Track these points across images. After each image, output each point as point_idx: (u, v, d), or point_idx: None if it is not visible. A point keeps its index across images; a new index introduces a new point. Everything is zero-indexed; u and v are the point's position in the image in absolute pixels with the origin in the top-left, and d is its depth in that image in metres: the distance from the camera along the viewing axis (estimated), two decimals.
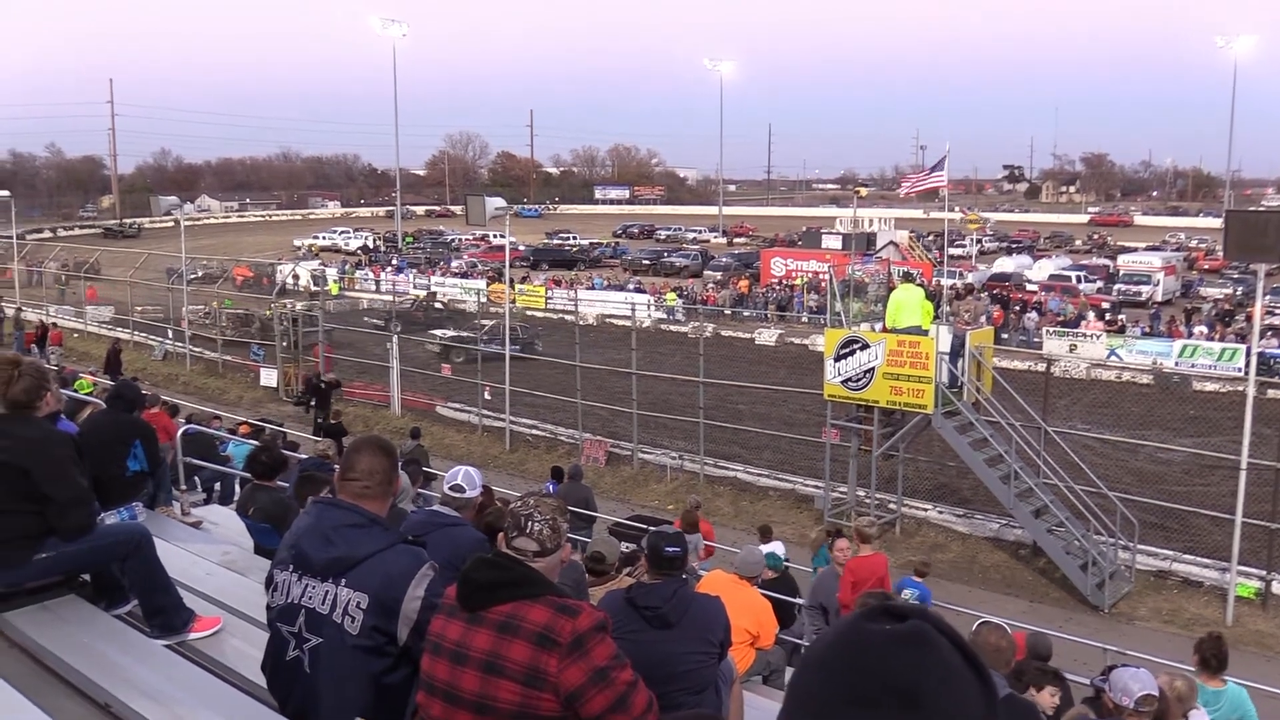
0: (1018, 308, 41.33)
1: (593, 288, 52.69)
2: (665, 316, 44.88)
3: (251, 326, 36.06)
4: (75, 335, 37.61)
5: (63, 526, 4.68)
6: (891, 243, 53.59)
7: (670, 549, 4.91)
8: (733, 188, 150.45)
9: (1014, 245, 74.46)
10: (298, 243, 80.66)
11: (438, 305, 43.41)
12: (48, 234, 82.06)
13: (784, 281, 51.25)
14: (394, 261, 66.42)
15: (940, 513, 19.48)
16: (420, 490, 10.53)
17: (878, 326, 18.68)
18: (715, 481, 21.76)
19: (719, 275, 56.15)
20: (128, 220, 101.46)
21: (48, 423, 4.91)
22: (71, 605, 4.87)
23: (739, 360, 33.69)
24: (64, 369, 20.42)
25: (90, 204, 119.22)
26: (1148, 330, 37.09)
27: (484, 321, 34.49)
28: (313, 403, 25.27)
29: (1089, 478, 17.33)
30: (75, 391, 12.47)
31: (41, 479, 4.58)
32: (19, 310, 37.29)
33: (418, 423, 24.46)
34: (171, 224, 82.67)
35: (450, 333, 34.18)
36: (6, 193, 50.44)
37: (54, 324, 36.68)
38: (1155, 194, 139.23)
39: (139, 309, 39.08)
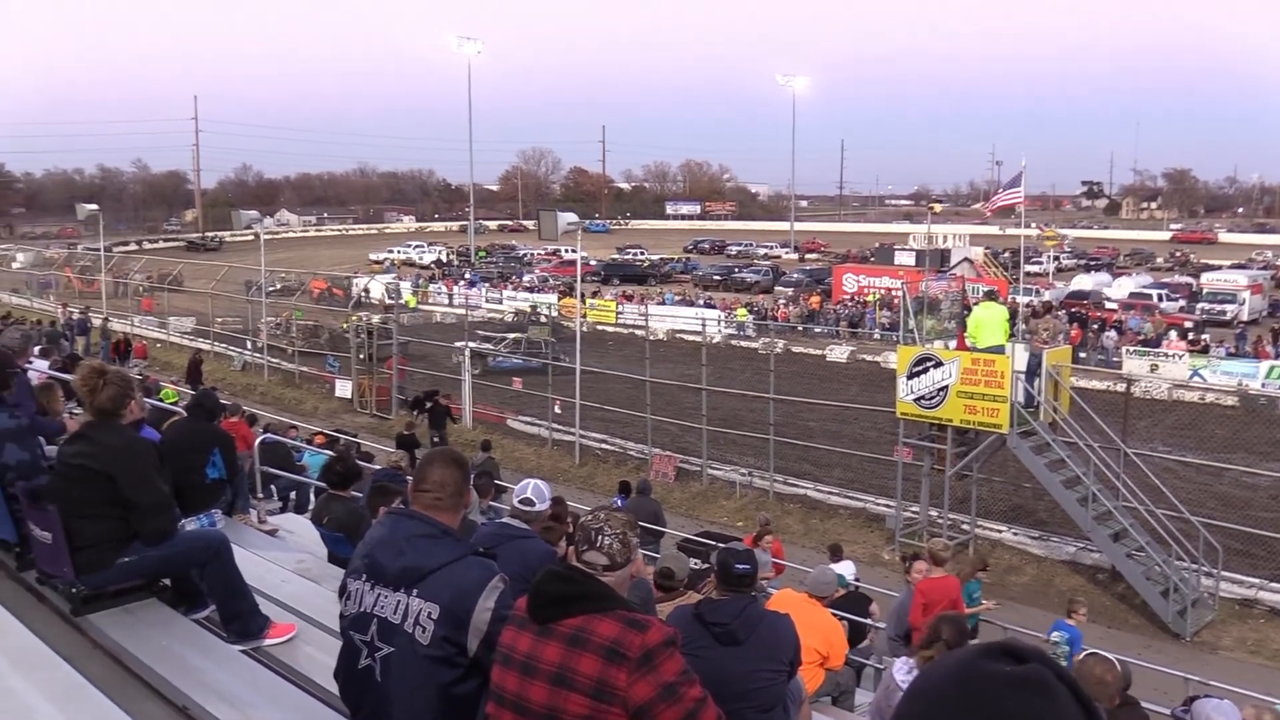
0: (1096, 326, 40.52)
1: (663, 303, 52.71)
2: (736, 332, 44.75)
3: (320, 338, 36.73)
4: (158, 345, 38.60)
5: (145, 531, 4.79)
6: (966, 259, 52.88)
7: (740, 566, 4.88)
8: (804, 203, 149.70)
9: (1092, 263, 73.06)
10: (374, 256, 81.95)
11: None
12: (133, 246, 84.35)
13: (856, 298, 50.81)
14: (466, 275, 67.12)
15: (1015, 534, 19.12)
16: (490, 503, 10.60)
17: (951, 344, 18.43)
18: (785, 499, 21.61)
19: (790, 291, 55.92)
20: (210, 234, 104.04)
21: (132, 430, 5.05)
22: (152, 609, 4.99)
23: (809, 377, 33.47)
24: (148, 378, 20.95)
25: (174, 218, 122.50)
26: (1233, 350, 36.10)
27: (509, 335, 34.77)
28: (416, 414, 25.44)
29: (1170, 501, 16.89)
30: (160, 401, 12.79)
31: (126, 485, 4.71)
32: (106, 320, 38.40)
33: (489, 436, 24.67)
34: (251, 238, 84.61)
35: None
36: (95, 206, 52.17)
37: (138, 337, 37.70)
38: (1240, 211, 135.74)
39: (219, 320, 40.03)
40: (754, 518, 18.06)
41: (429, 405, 25.07)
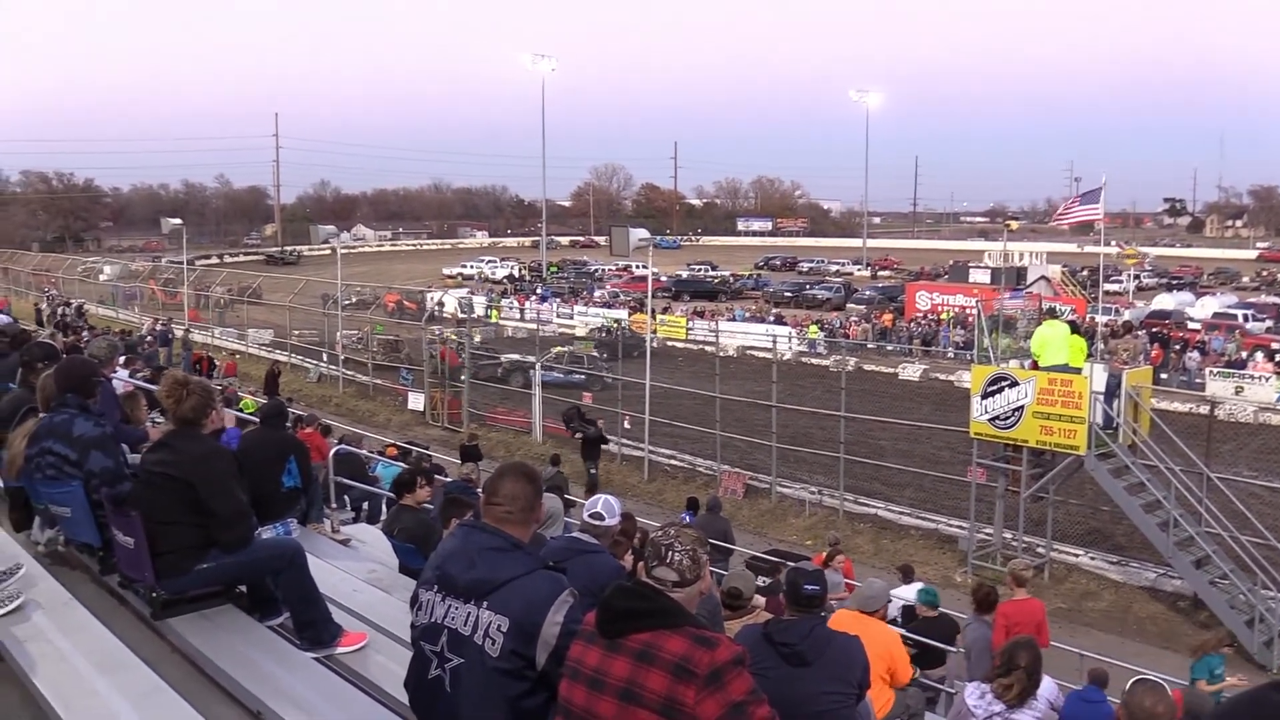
0: (1178, 347, 39.54)
1: (734, 319, 52.60)
2: (807, 349, 44.50)
3: (400, 352, 37.23)
4: (237, 356, 39.41)
5: (224, 539, 4.89)
6: (1043, 277, 52.01)
7: (809, 586, 4.84)
8: (877, 220, 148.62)
9: (1174, 282, 71.36)
10: (447, 271, 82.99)
11: (625, 331, 43.97)
12: (215, 260, 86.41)
13: (929, 316, 50.27)
14: (538, 291, 67.64)
15: (1092, 559, 18.70)
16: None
17: (1027, 364, 18.13)
18: (855, 518, 21.40)
19: (862, 308, 55.53)
20: (288, 248, 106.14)
21: (212, 439, 5.16)
22: (229, 615, 5.08)
23: (881, 395, 33.15)
24: (227, 389, 21.42)
25: (254, 232, 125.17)
26: None
27: (558, 349, 34.88)
28: (574, 433, 24.10)
29: (1256, 528, 16.39)
30: (240, 411, 13.06)
31: (206, 493, 4.81)
32: (188, 332, 39.33)
33: (558, 450, 24.77)
34: (328, 252, 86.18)
35: (515, 356, 34.57)
36: (179, 220, 53.54)
37: (220, 350, 38.50)
38: None
39: (296, 333, 40.77)
40: (823, 537, 17.90)
41: (583, 433, 23.65)
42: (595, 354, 35.24)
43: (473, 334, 35.10)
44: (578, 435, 23.84)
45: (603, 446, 24.13)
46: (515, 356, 34.60)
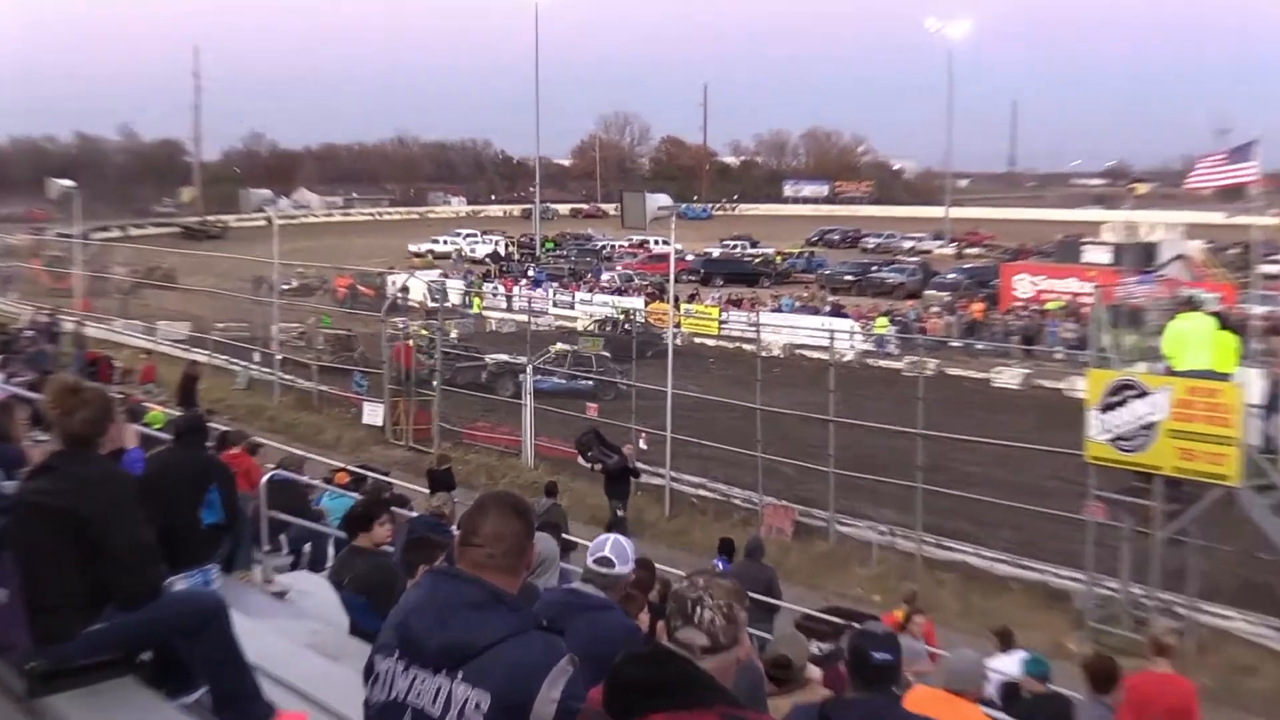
0: None
1: (780, 310, 52.67)
2: (873, 349, 44.53)
3: (354, 351, 37.36)
4: (145, 356, 39.54)
5: (123, 590, 4.84)
6: (1180, 257, 51.78)
7: (879, 655, 4.81)
8: (963, 182, 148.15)
9: None
10: (414, 247, 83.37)
11: (638, 324, 44.03)
12: (117, 233, 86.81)
13: (1031, 306, 50.18)
14: (530, 273, 67.95)
15: (1250, 623, 18.58)
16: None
17: (1160, 367, 18.05)
18: (937, 566, 21.36)
19: (945, 296, 55.50)
20: (210, 218, 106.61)
21: (110, 462, 5.13)
22: (128, 690, 5.03)
23: (969, 407, 33.09)
24: (130, 398, 21.46)
25: (167, 198, 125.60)
26: None
27: (557, 347, 34.89)
28: (592, 464, 23.93)
29: None
30: (147, 426, 13.09)
31: (100, 531, 4.74)
32: (80, 325, 39.44)
33: (554, 476, 24.78)
34: (263, 223, 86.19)
35: (502, 356, 34.67)
36: (70, 183, 53.48)
37: (143, 354, 38.55)
38: None
39: (220, 326, 40.98)
40: (896, 590, 17.85)
41: (603, 464, 23.34)
42: (605, 354, 35.34)
43: (447, 328, 35.20)
44: (597, 467, 23.72)
45: (633, 480, 23.91)
46: (502, 357, 34.71)
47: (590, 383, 32.89)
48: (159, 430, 13.01)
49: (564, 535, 12.91)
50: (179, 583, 6.10)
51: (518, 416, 29.21)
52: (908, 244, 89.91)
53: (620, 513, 22.65)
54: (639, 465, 24.71)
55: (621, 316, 48.20)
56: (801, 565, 21.70)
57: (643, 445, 26.33)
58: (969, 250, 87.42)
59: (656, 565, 9.86)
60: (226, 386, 36.38)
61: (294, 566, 12.23)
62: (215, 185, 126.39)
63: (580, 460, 24.77)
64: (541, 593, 5.87)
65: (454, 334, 40.54)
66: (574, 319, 50.29)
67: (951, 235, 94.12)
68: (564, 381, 32.57)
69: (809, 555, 22.26)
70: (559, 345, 36.31)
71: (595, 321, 47.48)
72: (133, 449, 9.67)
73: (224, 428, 17.46)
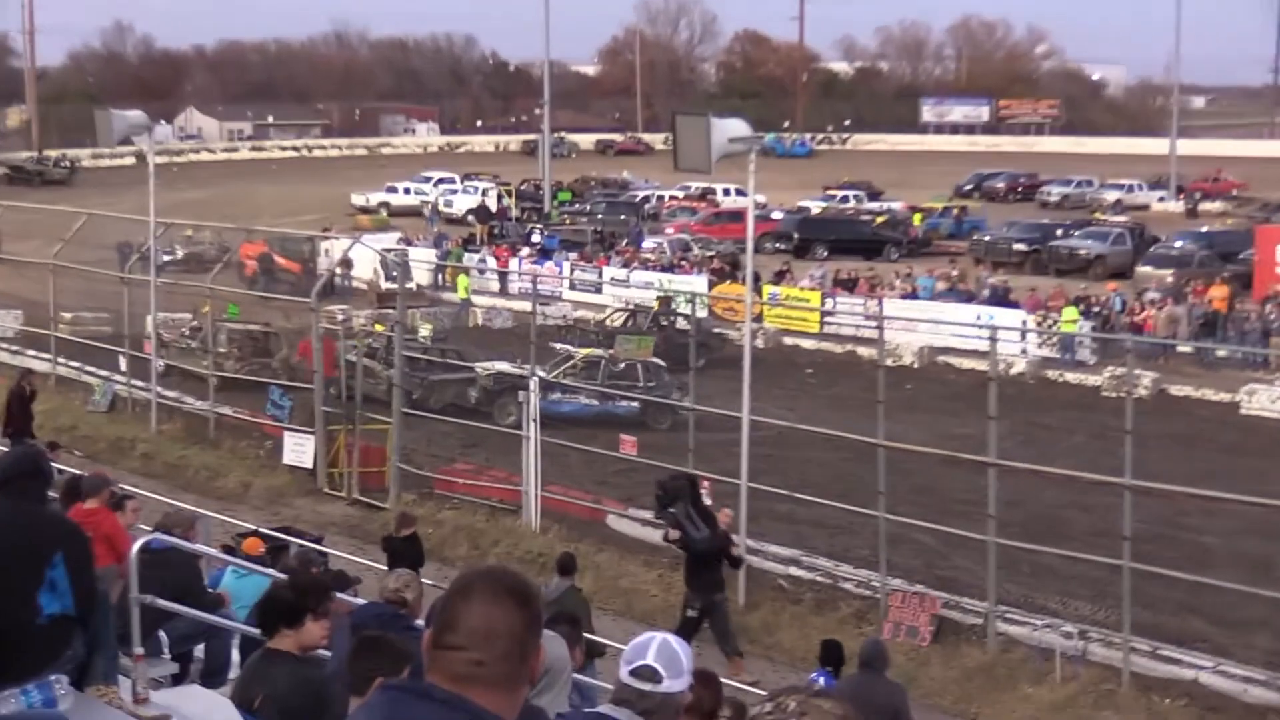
0: None
1: (915, 295, 52.35)
2: (1057, 355, 44.19)
3: (273, 356, 37.38)
4: None
5: None
6: None
7: None
8: (1199, 102, 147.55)
9: None
10: (359, 199, 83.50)
11: (676, 318, 43.96)
12: None
13: None
14: (534, 238, 67.62)
15: None
16: (577, 675, 10.64)
17: None
18: (1153, 686, 21.19)
19: (1167, 276, 54.96)
20: (52, 153, 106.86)
21: None
22: None
23: (1206, 444, 32.83)
24: None
25: None
26: None
27: (585, 352, 34.79)
28: (674, 535, 22.72)
29: None
30: None
31: None
32: None
33: (571, 544, 24.78)
34: (131, 161, 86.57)
35: (501, 365, 34.72)
36: None
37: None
38: None
39: (68, 317, 41.03)
40: None
41: (685, 534, 22.33)
42: (657, 362, 35.30)
43: (416, 323, 35.23)
44: (673, 536, 22.81)
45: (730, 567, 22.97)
46: (502, 366, 34.70)
47: (635, 404, 32.76)
48: None
49: (587, 636, 12.88)
50: (4, 704, 6.14)
51: (516, 454, 29.15)
52: (1111, 195, 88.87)
53: (693, 611, 21.90)
54: (737, 545, 24.19)
55: (657, 304, 47.92)
56: (946, 683, 21.60)
57: (705, 499, 26.24)
58: (1206, 206, 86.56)
59: (724, 680, 9.86)
60: (78, 407, 36.50)
61: (179, 678, 12.28)
62: (58, 105, 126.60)
63: (659, 518, 24.13)
64: (551, 718, 5.87)
65: (425, 331, 40.57)
66: (603, 307, 49.96)
67: (1180, 183, 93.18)
68: (595, 403, 32.56)
69: (957, 668, 22.13)
70: (589, 350, 36.30)
71: (620, 310, 47.17)
72: None
73: (74, 471, 17.58)
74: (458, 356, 36.74)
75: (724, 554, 22.40)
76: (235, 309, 40.19)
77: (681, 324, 43.95)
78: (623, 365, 35.30)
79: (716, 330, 43.09)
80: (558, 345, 38.97)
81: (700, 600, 21.81)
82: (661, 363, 35.36)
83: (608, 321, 45.27)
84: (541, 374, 31.22)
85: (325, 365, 31.42)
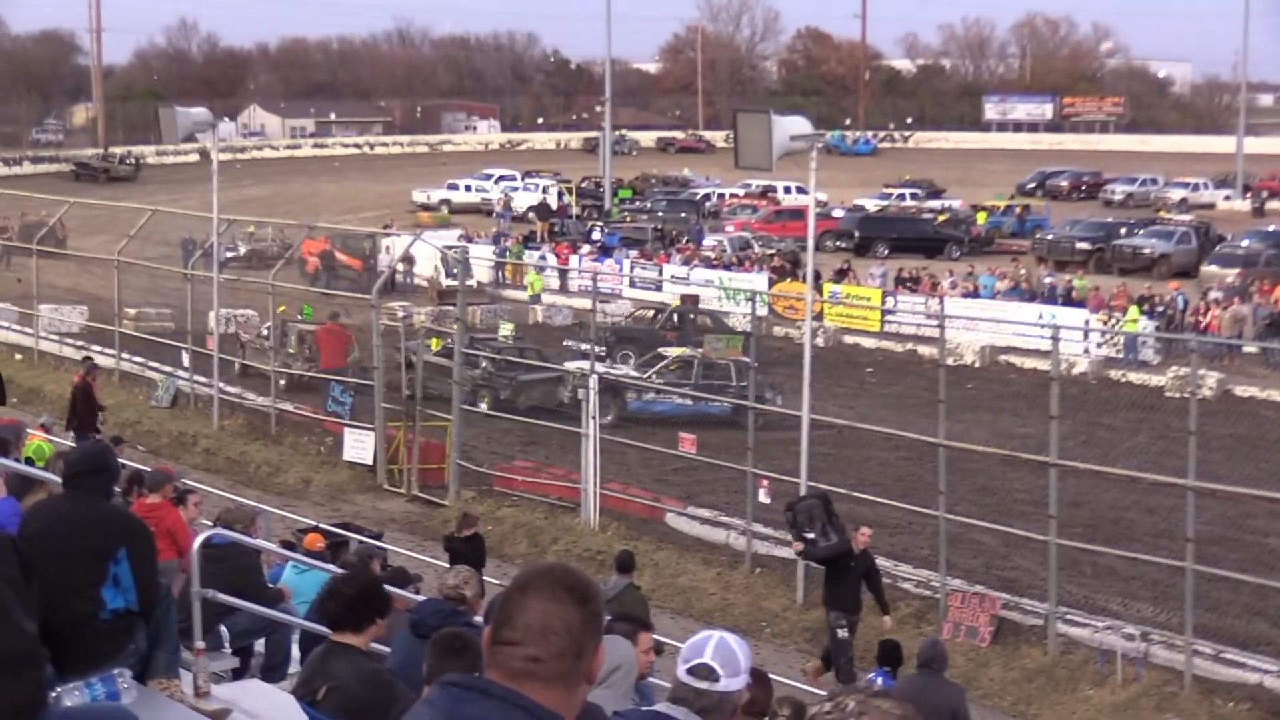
0: None
1: (977, 294, 52.17)
2: (1119, 355, 43.96)
3: (348, 356, 37.07)
4: (18, 358, 39.95)
5: None
6: None
7: None
8: (1268, 99, 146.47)
9: None
10: (420, 196, 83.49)
11: (703, 316, 43.99)
12: None
13: None
14: (595, 235, 67.59)
15: None
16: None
17: None
18: (1216, 690, 21.04)
19: (1231, 276, 54.62)
20: (117, 150, 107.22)
21: None
22: None
23: (1269, 444, 32.58)
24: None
25: (54, 119, 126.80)
26: None
27: (677, 352, 34.71)
28: (806, 534, 22.23)
29: None
30: (27, 464, 13.24)
31: None
32: None
33: (629, 542, 24.78)
34: (194, 159, 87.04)
35: (576, 365, 34.72)
36: None
37: (12, 354, 38.86)
38: None
39: (131, 312, 41.22)
40: None
41: (805, 540, 22.13)
42: (747, 360, 35.31)
43: (495, 323, 35.07)
44: (796, 551, 22.60)
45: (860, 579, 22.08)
46: (624, 369, 34.74)
47: (726, 404, 32.76)
48: (42, 469, 13.16)
49: (645, 631, 12.86)
50: (71, 695, 6.19)
51: (575, 452, 29.16)
52: (1176, 194, 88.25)
53: (843, 631, 21.09)
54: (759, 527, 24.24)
55: (675, 301, 48.04)
56: (1006, 684, 21.52)
57: (764, 497, 26.22)
58: (1273, 204, 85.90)
59: (780, 679, 9.85)
60: (142, 403, 36.62)
61: (239, 673, 12.33)
62: (123, 102, 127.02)
63: (793, 532, 23.00)
64: (610, 717, 5.87)
65: (505, 331, 40.55)
66: (664, 304, 49.70)
67: (1248, 181, 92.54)
68: (689, 403, 32.54)
69: (1017, 669, 22.04)
70: (680, 350, 36.32)
71: (643, 309, 47.05)
72: (1, 499, 9.85)
73: (137, 466, 17.69)
74: (538, 356, 36.73)
75: (850, 562, 21.71)
76: (309, 310, 40.17)
77: (705, 321, 44.41)
78: (716, 364, 35.30)
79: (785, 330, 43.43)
80: (569, 343, 39.20)
81: (847, 618, 21.16)
82: (752, 361, 35.37)
83: (624, 321, 45.29)
84: (634, 373, 31.38)
85: (336, 357, 31.50)
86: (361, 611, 8.59)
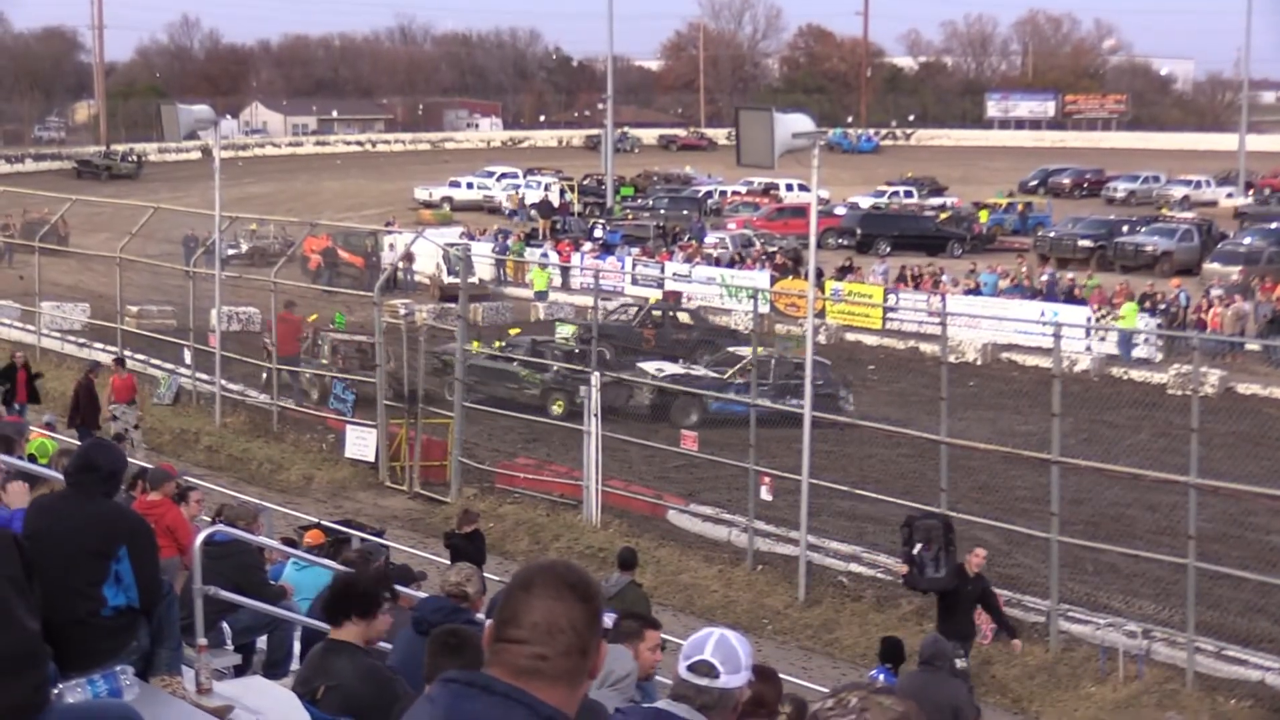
0: None
1: (979, 291, 52.18)
2: (1119, 353, 43.97)
3: (368, 361, 36.72)
4: (19, 355, 39.91)
5: None
6: None
7: None
8: (1269, 97, 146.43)
9: None
10: (421, 193, 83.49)
11: (682, 314, 44.08)
12: None
13: None
14: (597, 233, 67.61)
15: None
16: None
17: None
18: (1219, 688, 21.06)
19: (1234, 273, 54.63)
20: (119, 148, 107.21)
21: None
22: None
23: (1271, 442, 32.57)
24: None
25: (55, 116, 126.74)
26: None
27: (739, 352, 34.75)
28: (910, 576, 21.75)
29: None
30: (30, 461, 13.26)
31: None
32: None
33: (631, 539, 24.78)
34: (196, 156, 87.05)
35: (671, 367, 34.73)
36: None
37: (13, 351, 38.86)
38: None
39: (133, 309, 41.23)
40: None
41: (914, 568, 21.23)
42: (824, 360, 35.50)
43: (557, 325, 34.84)
44: (899, 573, 21.75)
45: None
46: (671, 368, 34.70)
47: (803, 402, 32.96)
48: (44, 465, 13.17)
49: (646, 627, 12.83)
50: (73, 692, 6.20)
51: (577, 449, 29.17)
52: (1178, 191, 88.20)
53: (962, 663, 19.42)
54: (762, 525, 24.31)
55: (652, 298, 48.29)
56: (1007, 680, 21.52)
57: (765, 494, 26.23)
58: (1275, 198, 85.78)
59: (784, 676, 9.85)
60: (144, 400, 36.64)
61: (242, 670, 12.34)
62: (128, 99, 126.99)
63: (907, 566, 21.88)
64: (613, 715, 5.87)
65: (566, 332, 40.47)
66: (678, 305, 49.72)
67: (1250, 179, 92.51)
68: (769, 402, 32.62)
69: (1019, 666, 22.03)
70: (748, 349, 36.42)
71: (627, 308, 46.97)
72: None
73: (139, 463, 17.68)
74: (601, 360, 36.76)
75: (982, 598, 20.81)
76: (342, 318, 39.90)
77: (684, 318, 45.05)
78: (792, 363, 35.42)
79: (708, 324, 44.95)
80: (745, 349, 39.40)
81: (964, 647, 19.93)
82: (828, 361, 35.51)
83: (610, 318, 45.33)
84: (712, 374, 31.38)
85: (290, 344, 31.60)
86: (363, 608, 8.59)
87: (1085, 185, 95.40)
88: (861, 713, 3.36)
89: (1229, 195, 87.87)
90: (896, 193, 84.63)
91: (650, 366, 35.38)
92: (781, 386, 32.71)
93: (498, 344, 35.57)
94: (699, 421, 30.63)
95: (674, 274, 56.39)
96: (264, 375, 36.22)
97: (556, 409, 33.81)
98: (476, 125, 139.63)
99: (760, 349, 35.00)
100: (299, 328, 34.96)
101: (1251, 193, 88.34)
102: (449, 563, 17.57)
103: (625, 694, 7.77)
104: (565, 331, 40.86)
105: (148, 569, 7.66)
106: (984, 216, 76.00)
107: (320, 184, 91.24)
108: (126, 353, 38.55)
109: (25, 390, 30.18)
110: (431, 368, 34.66)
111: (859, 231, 68.79)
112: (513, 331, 33.42)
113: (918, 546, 21.05)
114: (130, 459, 13.30)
